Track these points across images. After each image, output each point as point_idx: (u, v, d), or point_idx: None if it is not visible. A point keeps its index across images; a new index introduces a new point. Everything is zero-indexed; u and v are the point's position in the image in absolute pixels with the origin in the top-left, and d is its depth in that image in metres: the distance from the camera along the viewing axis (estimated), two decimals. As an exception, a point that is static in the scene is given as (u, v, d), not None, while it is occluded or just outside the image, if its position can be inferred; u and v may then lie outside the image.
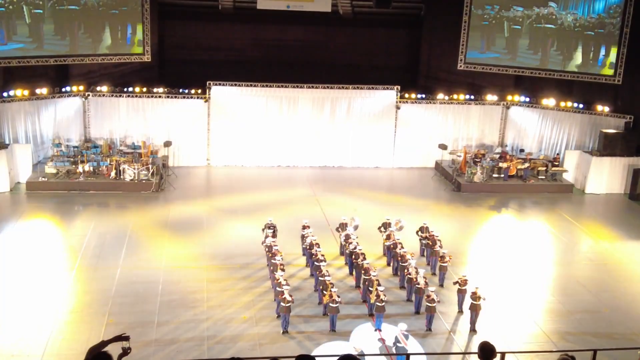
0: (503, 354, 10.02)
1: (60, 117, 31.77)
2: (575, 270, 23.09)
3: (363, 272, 19.88)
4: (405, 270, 20.29)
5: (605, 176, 31.38)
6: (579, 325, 19.06)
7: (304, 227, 22.63)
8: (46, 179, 28.54)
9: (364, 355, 15.88)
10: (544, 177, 31.92)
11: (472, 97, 34.91)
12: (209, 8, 33.99)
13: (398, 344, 16.29)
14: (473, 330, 18.42)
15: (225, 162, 33.72)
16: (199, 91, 32.85)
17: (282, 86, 33.22)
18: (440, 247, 21.88)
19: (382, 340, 17.79)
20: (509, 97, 35.14)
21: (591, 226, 27.32)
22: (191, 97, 32.95)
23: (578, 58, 33.08)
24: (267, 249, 21.17)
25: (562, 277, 22.43)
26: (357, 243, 21.48)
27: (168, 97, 32.72)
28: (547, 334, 18.48)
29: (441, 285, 20.96)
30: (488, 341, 7.80)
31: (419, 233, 23.20)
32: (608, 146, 31.36)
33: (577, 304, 20.31)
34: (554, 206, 29.70)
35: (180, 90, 32.86)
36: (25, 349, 16.48)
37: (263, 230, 22.49)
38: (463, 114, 34.96)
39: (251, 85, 33.09)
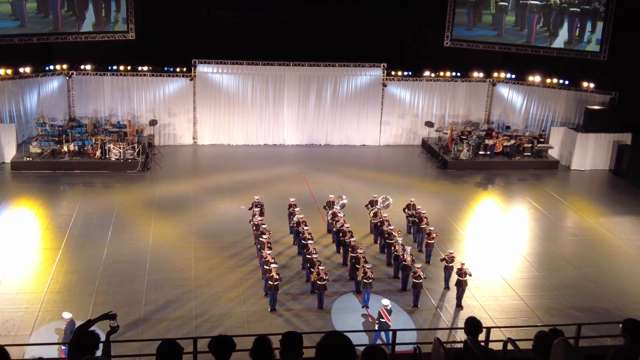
0: (489, 329, 10.14)
1: (44, 96, 31.48)
2: (560, 245, 23.31)
3: (350, 249, 19.96)
4: (392, 248, 20.39)
5: (590, 152, 31.58)
6: (564, 300, 19.28)
7: (291, 206, 22.66)
8: (31, 159, 28.32)
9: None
10: (529, 153, 32.07)
11: (459, 74, 34.88)
12: (194, -15, 33.69)
13: (381, 320, 16.44)
14: (459, 306, 18.58)
15: (212, 141, 33.59)
16: (184, 69, 32.61)
17: (268, 64, 33.02)
18: (427, 224, 22.01)
19: (369, 316, 17.91)
20: (495, 74, 35.15)
21: (576, 202, 27.53)
22: (176, 76, 32.71)
23: (564, 34, 33.11)
24: (254, 228, 21.18)
25: (547, 253, 22.63)
26: (344, 221, 21.54)
27: (153, 75, 32.46)
28: (532, 308, 18.68)
29: (428, 262, 21.09)
30: (474, 316, 7.88)
31: (406, 210, 23.29)
32: (593, 122, 31.50)
33: (562, 279, 20.53)
34: (539, 182, 29.89)
35: (165, 69, 32.60)
36: (13, 329, 16.46)
37: (250, 208, 22.48)
38: (449, 92, 34.96)
39: (237, 63, 32.86)
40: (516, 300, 19.15)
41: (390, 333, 15.94)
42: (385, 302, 16.82)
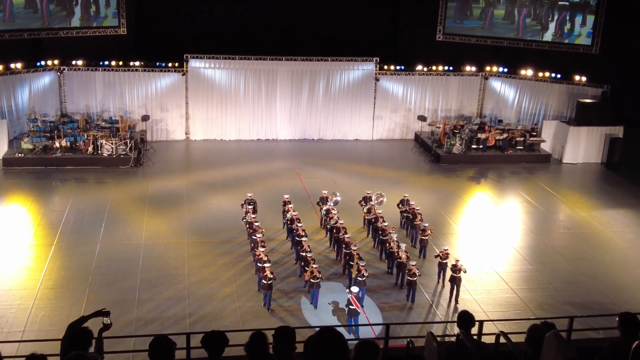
0: (482, 322, 10.17)
1: (35, 92, 31.34)
2: (552, 239, 23.38)
3: (344, 246, 19.92)
4: (387, 244, 20.35)
5: (583, 146, 31.66)
6: (556, 293, 19.34)
7: (285, 202, 22.60)
8: (23, 155, 28.20)
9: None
10: (522, 147, 32.13)
11: (451, 68, 34.90)
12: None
13: (350, 307, 16.45)
14: (454, 302, 18.58)
15: (204, 136, 33.52)
16: (177, 64, 32.49)
17: (260, 59, 32.94)
18: (421, 220, 21.96)
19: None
20: (488, 68, 35.18)
21: (568, 195, 27.61)
22: (168, 71, 32.60)
23: (555, 28, 33.15)
24: (247, 226, 21.13)
25: (540, 246, 22.69)
26: (338, 217, 21.51)
27: (145, 70, 32.35)
28: (525, 302, 18.74)
29: (422, 258, 21.08)
30: (467, 310, 7.90)
31: (400, 206, 23.27)
32: (585, 116, 31.57)
33: (555, 273, 20.59)
34: (531, 176, 29.96)
35: (157, 64, 32.48)
36: (6, 325, 16.41)
37: (242, 205, 22.44)
38: (442, 86, 34.98)
39: (229, 58, 32.77)
40: (509, 294, 19.20)
41: (357, 319, 16.19)
42: (355, 289, 16.88)
